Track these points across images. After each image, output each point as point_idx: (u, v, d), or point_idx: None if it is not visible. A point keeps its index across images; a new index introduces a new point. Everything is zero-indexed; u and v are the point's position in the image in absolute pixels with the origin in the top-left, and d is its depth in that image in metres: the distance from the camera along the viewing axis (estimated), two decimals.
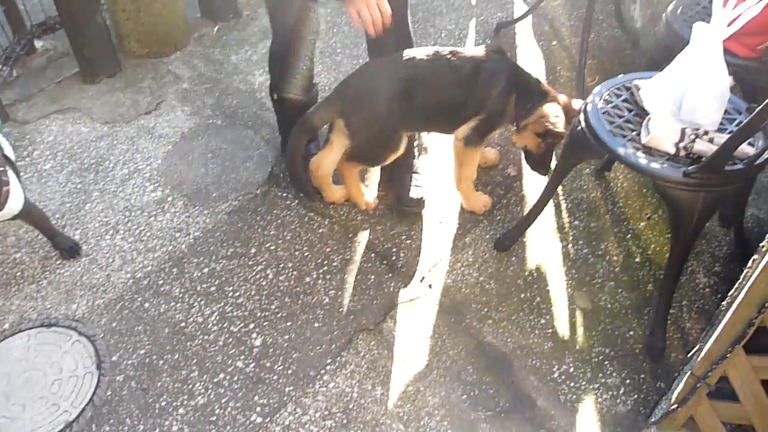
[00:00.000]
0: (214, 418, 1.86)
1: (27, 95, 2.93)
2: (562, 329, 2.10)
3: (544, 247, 2.33)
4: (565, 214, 2.45)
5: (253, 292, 2.17)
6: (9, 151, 2.07)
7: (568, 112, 2.20)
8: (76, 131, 2.78)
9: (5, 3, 3.05)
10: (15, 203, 1.99)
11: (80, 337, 2.05)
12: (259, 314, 2.11)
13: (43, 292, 2.17)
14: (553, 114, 2.17)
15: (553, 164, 2.25)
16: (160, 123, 2.82)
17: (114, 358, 1.99)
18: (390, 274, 2.23)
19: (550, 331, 2.09)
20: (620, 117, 1.91)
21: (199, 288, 2.18)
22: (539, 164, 2.31)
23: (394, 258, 2.28)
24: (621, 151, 1.80)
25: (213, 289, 2.18)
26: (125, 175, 2.58)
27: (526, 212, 2.34)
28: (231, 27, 3.42)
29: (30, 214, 2.12)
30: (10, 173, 1.97)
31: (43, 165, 2.59)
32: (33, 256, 2.28)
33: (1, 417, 1.86)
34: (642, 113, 1.92)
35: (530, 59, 3.18)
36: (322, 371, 1.97)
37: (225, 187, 2.53)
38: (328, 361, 1.99)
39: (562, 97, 2.24)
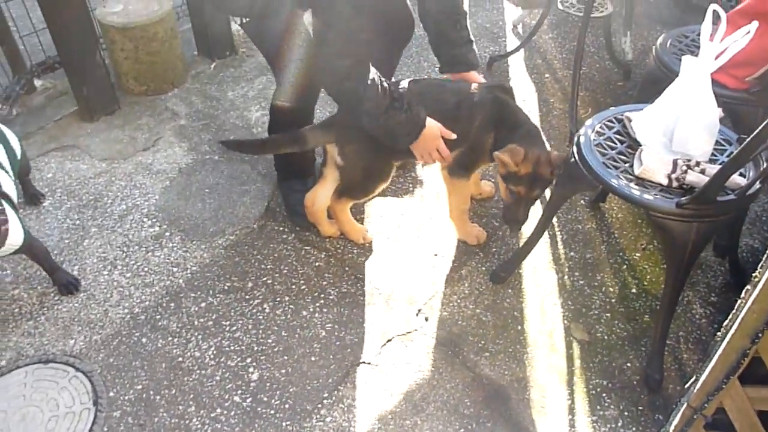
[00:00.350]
0: None
1: (26, 133, 2.96)
2: (559, 361, 2.10)
3: (540, 278, 2.34)
4: (560, 246, 2.46)
5: (250, 326, 2.17)
6: (9, 188, 2.09)
7: (540, 164, 2.06)
8: (74, 168, 2.80)
9: (5, 42, 3.10)
10: (15, 239, 2.00)
11: (77, 372, 2.04)
12: (256, 348, 2.11)
13: (41, 328, 2.17)
14: (511, 155, 2.04)
15: (531, 213, 2.17)
16: (158, 159, 2.85)
17: (111, 394, 1.99)
18: (386, 307, 2.24)
19: (547, 363, 2.09)
20: (613, 149, 1.94)
21: (196, 323, 2.18)
22: (508, 213, 2.16)
23: (390, 291, 2.29)
24: (614, 182, 1.82)
25: (210, 323, 2.18)
26: (123, 210, 2.59)
27: (521, 244, 2.36)
28: (227, 64, 3.48)
29: (31, 248, 2.13)
30: (9, 209, 1.99)
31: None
32: (31, 293, 2.28)
33: None
34: (634, 145, 1.94)
35: (523, 92, 3.23)
36: (319, 405, 1.96)
37: (222, 221, 2.55)
38: (325, 395, 1.99)
39: (545, 150, 2.14)
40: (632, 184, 1.82)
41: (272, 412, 1.95)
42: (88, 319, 2.20)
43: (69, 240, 2.47)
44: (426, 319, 2.20)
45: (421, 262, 2.40)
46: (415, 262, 2.40)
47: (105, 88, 3.06)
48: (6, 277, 2.34)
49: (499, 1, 4.05)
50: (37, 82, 3.28)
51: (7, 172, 2.14)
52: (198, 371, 2.04)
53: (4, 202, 1.98)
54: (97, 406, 1.96)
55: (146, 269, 2.36)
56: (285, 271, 2.36)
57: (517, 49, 3.48)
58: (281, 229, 2.52)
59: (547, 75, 3.39)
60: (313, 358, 2.08)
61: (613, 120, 2.05)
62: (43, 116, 3.10)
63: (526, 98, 3.20)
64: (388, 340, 2.14)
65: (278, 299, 2.26)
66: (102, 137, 2.98)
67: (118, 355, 2.09)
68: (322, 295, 2.28)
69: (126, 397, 1.98)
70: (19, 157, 2.32)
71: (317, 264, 2.39)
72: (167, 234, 2.50)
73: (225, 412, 1.94)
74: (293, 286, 2.31)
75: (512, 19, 3.85)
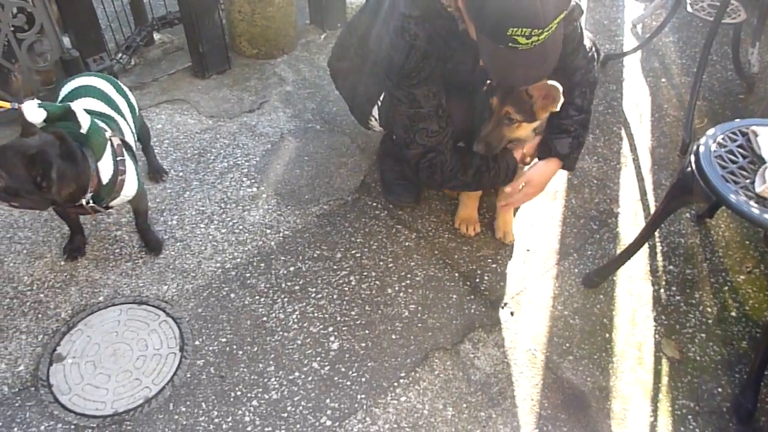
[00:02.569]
0: (285, 415, 1.88)
1: (141, 84, 3.08)
2: (646, 376, 2.02)
3: (634, 288, 2.26)
4: (659, 258, 2.36)
5: (335, 296, 2.19)
6: (129, 137, 2.16)
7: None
8: (183, 122, 2.89)
9: None
10: (129, 191, 2.06)
11: (167, 318, 2.12)
12: (338, 318, 2.13)
13: (138, 270, 2.26)
14: None
15: (653, 205, 2.15)
16: (261, 122, 2.90)
17: (197, 343, 2.05)
18: (472, 296, 2.21)
19: (633, 376, 2.01)
20: (734, 162, 1.83)
21: (283, 285, 2.22)
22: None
23: (477, 280, 2.26)
24: (732, 198, 1.72)
25: (297, 288, 2.21)
26: (224, 168, 2.66)
27: (619, 250, 2.28)
28: (337, 35, 3.48)
29: (139, 201, 2.20)
30: (129, 161, 2.05)
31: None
32: (132, 236, 2.38)
33: (87, 383, 1.95)
34: (758, 161, 1.83)
35: (636, 95, 3.10)
36: (395, 384, 1.96)
37: (317, 190, 2.57)
38: (402, 374, 1.99)
39: None
40: (752, 202, 1.71)
41: (348, 383, 1.96)
42: (182, 268, 2.27)
43: (171, 190, 2.56)
44: (511, 314, 2.16)
45: (512, 255, 2.35)
46: (505, 254, 2.35)
47: (219, 47, 3.14)
48: (109, 217, 2.45)
49: None
50: (156, 36, 3.40)
51: (129, 124, 2.21)
52: (281, 333, 2.08)
53: (125, 152, 2.04)
54: (182, 352, 2.03)
55: (241, 227, 2.42)
56: (374, 246, 2.36)
57: (634, 50, 3.35)
58: (374, 204, 2.52)
59: (663, 80, 3.24)
60: (393, 336, 2.08)
61: (737, 132, 1.94)
62: (158, 69, 3.21)
63: (639, 102, 3.07)
64: (471, 330, 2.11)
65: (365, 273, 2.27)
66: (211, 95, 3.06)
67: (206, 306, 2.16)
68: (409, 276, 2.27)
69: (210, 348, 2.04)
70: (137, 114, 2.38)
71: (407, 244, 2.38)
72: (264, 196, 2.54)
73: (303, 376, 1.97)
74: (381, 263, 2.31)
75: (632, 18, 3.70)
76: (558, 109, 1.97)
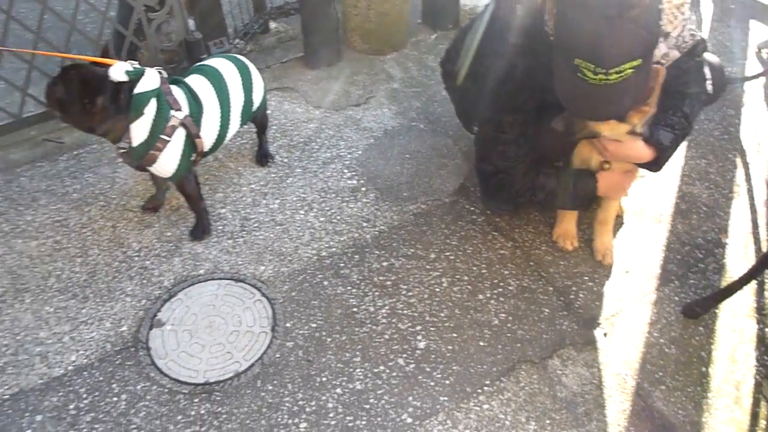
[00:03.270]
0: (368, 407, 1.90)
1: None
2: (742, 417, 1.92)
3: (737, 324, 2.15)
4: None
5: (425, 296, 2.20)
6: (210, 131, 2.27)
7: None
8: (291, 110, 2.97)
9: None
10: (161, 168, 2.19)
11: (262, 297, 2.18)
12: (427, 318, 2.13)
13: (238, 249, 2.34)
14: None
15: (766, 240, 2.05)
16: (366, 116, 2.95)
17: (288, 325, 2.10)
18: (565, 312, 2.17)
19: (727, 414, 1.92)
20: None
21: (375, 279, 2.24)
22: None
23: (572, 297, 2.21)
24: None
25: (389, 283, 2.23)
26: (327, 158, 2.72)
27: (724, 283, 2.18)
28: (448, 36, 3.48)
29: (182, 185, 2.30)
30: (173, 145, 2.15)
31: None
32: (235, 215, 2.47)
33: (183, 351, 2.03)
34: None
35: (756, 122, 2.95)
36: (479, 390, 1.95)
37: (416, 189, 2.59)
38: (487, 382, 1.97)
39: None
40: None
41: (432, 383, 1.96)
42: (280, 251, 2.34)
43: (275, 175, 2.64)
44: (605, 335, 2.11)
45: (610, 275, 2.29)
46: (603, 274, 2.29)
47: (332, 40, 3.20)
48: (216, 193, 2.55)
49: (746, 19, 3.72)
50: (272, 24, 3.51)
51: (230, 115, 2.33)
52: (369, 325, 2.11)
53: (176, 136, 2.15)
54: (274, 332, 2.08)
55: (339, 217, 2.46)
56: (469, 251, 2.35)
57: (756, 76, 3.19)
58: (472, 209, 2.51)
59: None
60: (481, 343, 2.07)
61: None
62: (271, 56, 3.31)
63: (758, 130, 2.92)
64: (561, 346, 2.07)
65: (457, 276, 2.27)
66: (320, 86, 3.13)
67: (300, 290, 2.21)
68: (501, 284, 2.25)
69: (300, 332, 2.09)
70: (257, 104, 2.48)
71: (502, 252, 2.36)
72: (363, 189, 2.58)
73: (387, 371, 1.99)
74: (474, 268, 2.30)
75: (758, 42, 3.52)
76: (649, 115, 1.92)
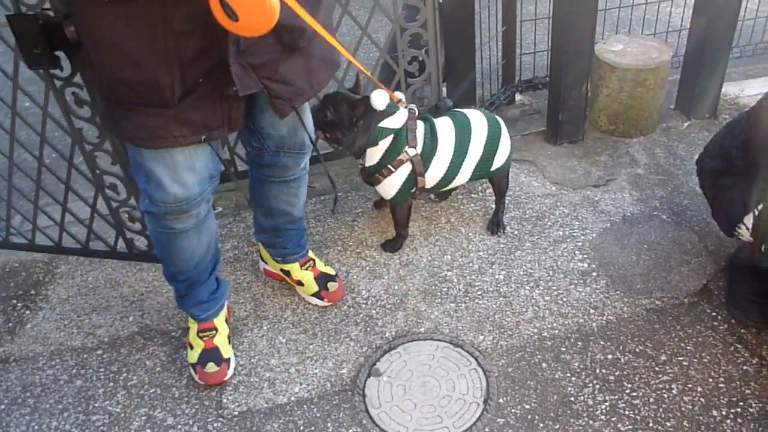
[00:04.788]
0: None
1: None
2: None
3: None
4: None
5: (651, 400, 2.04)
6: (436, 174, 2.51)
7: None
8: (527, 183, 2.98)
9: (508, 58, 3.43)
10: (383, 191, 2.52)
11: (478, 367, 2.17)
12: (651, 424, 1.97)
13: (459, 313, 2.37)
14: None
15: None
16: (605, 199, 2.86)
17: (501, 401, 2.07)
18: None
19: None
20: None
21: (598, 371, 2.13)
22: None
23: None
24: None
25: (612, 378, 2.11)
26: (559, 237, 2.67)
27: None
28: (703, 126, 3.30)
29: (394, 209, 2.58)
30: (396, 176, 2.44)
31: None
32: (460, 279, 2.50)
33: (395, 405, 2.08)
34: None
35: None
36: None
37: (652, 283, 2.44)
38: None
39: None
40: None
41: None
42: (501, 324, 2.32)
43: (504, 245, 2.64)
44: None
45: None
46: None
47: (577, 118, 3.18)
48: (444, 255, 2.61)
49: None
50: (518, 97, 3.58)
51: (461, 165, 2.52)
52: (586, 419, 2.00)
53: (401, 169, 2.43)
54: (486, 405, 2.06)
55: (565, 299, 2.39)
56: (705, 360, 2.15)
57: None
58: (714, 314, 2.31)
59: None
60: None
61: None
62: (513, 128, 3.35)
63: None
64: None
65: (689, 386, 2.08)
66: (559, 162, 3.10)
67: (517, 368, 2.17)
68: (741, 403, 2.02)
69: (512, 410, 2.04)
70: (497, 165, 2.60)
71: (745, 368, 2.12)
72: (594, 274, 2.49)
73: None
74: (710, 380, 2.09)
75: None
76: None
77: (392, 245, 2.67)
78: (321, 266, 2.50)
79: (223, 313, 2.30)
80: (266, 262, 2.57)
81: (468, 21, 2.91)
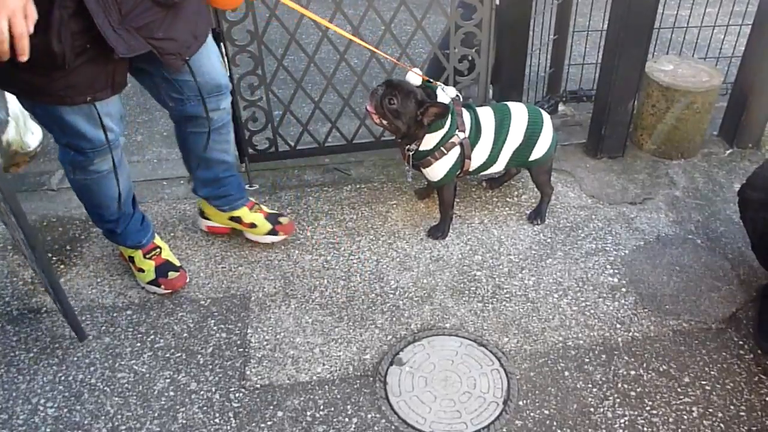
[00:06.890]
0: None
1: None
2: None
3: None
4: None
5: (670, 420, 2.04)
6: (479, 158, 2.62)
7: None
8: (563, 193, 2.98)
9: (556, 67, 3.43)
10: (430, 175, 2.62)
11: (500, 368, 2.19)
12: None
13: (486, 314, 2.38)
14: None
15: None
16: (640, 217, 2.85)
17: (520, 403, 2.08)
18: None
19: None
20: None
21: (619, 385, 2.14)
22: None
23: None
24: None
25: (633, 394, 2.11)
26: (591, 249, 2.67)
27: None
28: (744, 156, 3.28)
29: (441, 190, 2.67)
30: (446, 159, 2.55)
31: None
32: (489, 281, 2.52)
33: (415, 395, 2.10)
34: None
35: None
36: None
37: (681, 305, 2.43)
38: None
39: None
40: None
41: None
42: (527, 328, 2.33)
43: (536, 251, 2.65)
44: None
45: None
46: None
47: (620, 134, 3.17)
48: (475, 255, 2.63)
49: None
50: (561, 107, 3.57)
51: (500, 151, 2.63)
52: (604, 431, 2.00)
53: (452, 152, 2.55)
54: (505, 405, 2.07)
55: (592, 311, 2.40)
56: (728, 386, 2.15)
57: None
58: (740, 343, 2.30)
59: None
60: None
61: None
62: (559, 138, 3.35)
63: None
64: None
65: (710, 410, 2.07)
66: (597, 176, 3.10)
67: (539, 373, 2.18)
68: None
69: (531, 414, 2.05)
70: (536, 156, 2.68)
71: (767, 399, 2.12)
72: (623, 290, 2.49)
73: None
74: (731, 407, 2.09)
75: None
76: None
77: (439, 230, 2.72)
78: (266, 209, 2.69)
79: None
80: (209, 219, 2.70)
81: (524, 25, 2.91)
